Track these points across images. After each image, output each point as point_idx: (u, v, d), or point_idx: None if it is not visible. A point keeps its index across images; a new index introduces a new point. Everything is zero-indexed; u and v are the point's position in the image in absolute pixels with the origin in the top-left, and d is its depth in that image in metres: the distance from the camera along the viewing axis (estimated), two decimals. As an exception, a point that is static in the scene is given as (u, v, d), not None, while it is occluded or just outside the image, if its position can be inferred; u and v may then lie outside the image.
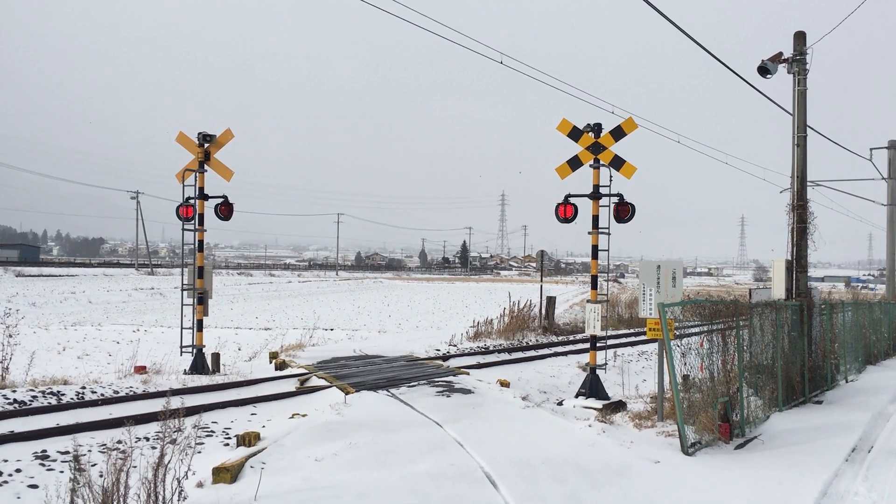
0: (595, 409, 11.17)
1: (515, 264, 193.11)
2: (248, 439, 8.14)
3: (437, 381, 12.45)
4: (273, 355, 15.44)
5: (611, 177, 12.21)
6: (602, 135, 12.13)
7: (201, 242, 14.25)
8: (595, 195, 12.22)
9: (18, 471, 7.33)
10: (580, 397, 12.05)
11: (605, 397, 12.00)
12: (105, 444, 8.08)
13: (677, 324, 10.08)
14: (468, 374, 13.48)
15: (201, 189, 14.15)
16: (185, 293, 14.43)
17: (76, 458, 5.62)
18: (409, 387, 11.79)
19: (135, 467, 5.96)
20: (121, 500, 5.52)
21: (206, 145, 14.14)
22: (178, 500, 5.83)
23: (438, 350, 17.80)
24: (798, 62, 14.89)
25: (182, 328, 14.39)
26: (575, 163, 12.47)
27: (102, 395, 11.05)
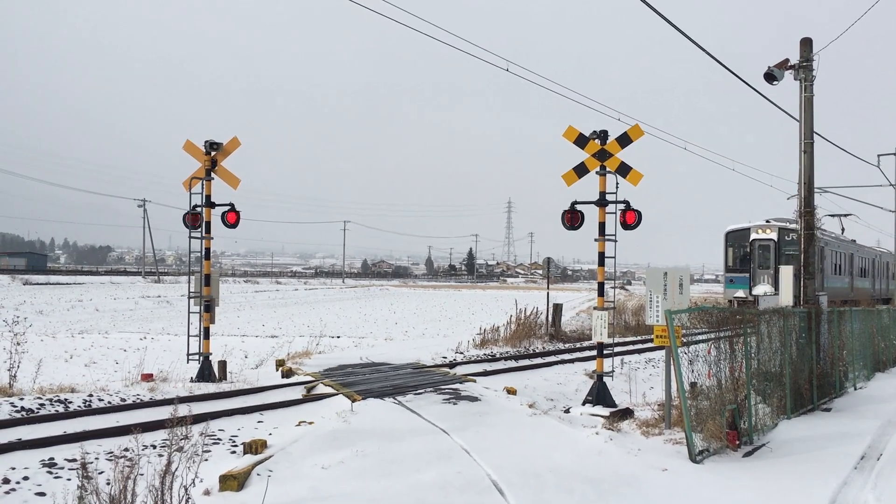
0: (602, 416, 11.14)
1: (522, 271, 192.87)
2: (254, 447, 8.14)
3: (444, 389, 12.43)
4: (280, 363, 15.44)
5: (617, 184, 12.20)
6: (608, 142, 12.13)
7: (208, 250, 14.28)
8: (601, 202, 12.20)
9: (26, 478, 7.35)
10: (587, 405, 12.00)
11: (612, 405, 11.95)
12: (112, 452, 8.09)
13: (684, 331, 10.06)
14: (475, 381, 13.46)
15: (208, 197, 14.19)
16: (191, 301, 14.45)
17: (83, 466, 5.62)
18: (416, 394, 11.77)
19: (142, 475, 5.96)
20: (128, 507, 5.52)
21: (212, 153, 14.19)
22: (185, 508, 5.82)
23: (445, 357, 17.78)
24: (804, 69, 14.87)
25: (189, 336, 14.41)
26: (581, 170, 12.46)
27: (109, 402, 11.07)
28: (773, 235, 29.40)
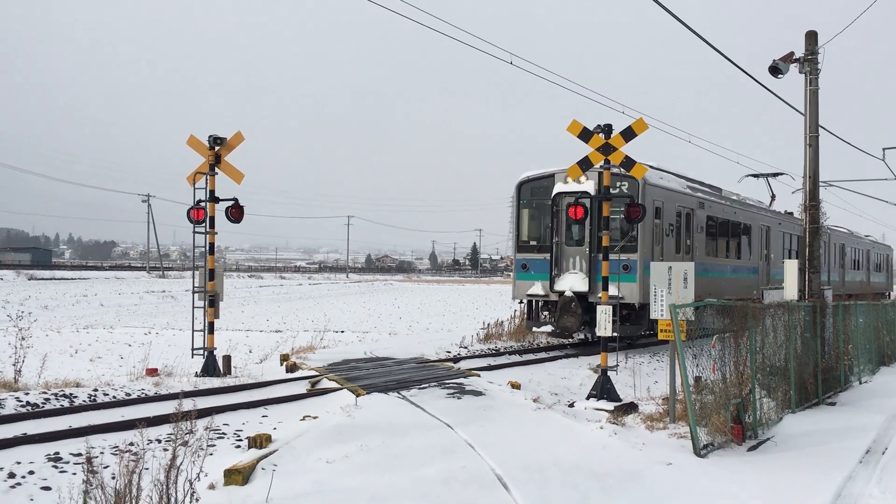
0: (606, 411, 11.13)
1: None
2: (259, 441, 8.15)
3: (448, 384, 12.43)
4: (284, 357, 15.45)
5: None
6: (612, 136, 12.08)
7: (212, 245, 14.28)
8: (606, 196, 12.18)
9: (31, 473, 7.37)
10: (591, 399, 12.00)
11: (617, 399, 11.95)
12: (117, 446, 8.11)
13: (689, 325, 10.05)
14: (479, 375, 13.45)
15: (212, 192, 14.18)
16: (196, 296, 14.46)
17: (89, 460, 5.65)
18: (420, 389, 11.77)
19: (147, 469, 5.98)
20: (133, 501, 5.54)
21: (216, 148, 14.17)
22: (190, 502, 5.84)
23: (449, 352, 17.77)
24: (810, 62, 14.81)
25: (193, 331, 14.43)
26: (585, 164, 12.43)
27: (114, 397, 11.09)
28: (590, 187, 16.23)
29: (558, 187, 17.35)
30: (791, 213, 28.86)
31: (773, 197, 29.20)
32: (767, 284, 24.56)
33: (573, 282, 17.11)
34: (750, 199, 25.67)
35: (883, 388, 15.29)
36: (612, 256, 15.24)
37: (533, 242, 18.61)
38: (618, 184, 16.70)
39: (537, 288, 17.79)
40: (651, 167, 18.35)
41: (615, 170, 16.47)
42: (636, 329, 17.81)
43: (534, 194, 18.74)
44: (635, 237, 17.15)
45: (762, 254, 25.20)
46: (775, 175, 28.68)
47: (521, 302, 18.86)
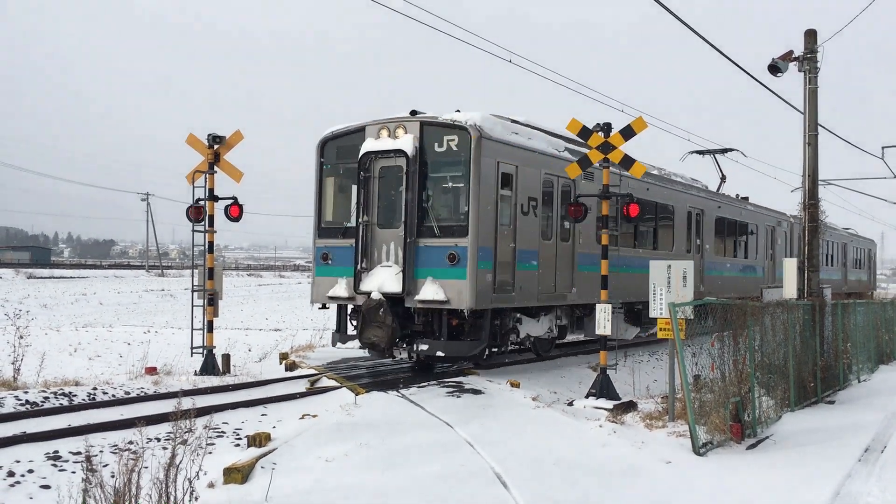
0: (606, 409, 11.13)
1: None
2: (258, 440, 8.15)
3: (447, 382, 12.42)
4: (283, 356, 15.45)
5: (620, 176, 12.17)
6: (612, 134, 12.07)
7: (211, 244, 14.27)
8: (605, 195, 12.17)
9: (31, 471, 7.37)
10: (591, 397, 12.01)
11: (616, 397, 11.95)
12: (117, 445, 8.11)
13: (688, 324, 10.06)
14: (478, 374, 13.45)
15: (211, 190, 14.17)
16: (195, 294, 14.45)
17: (88, 459, 5.65)
18: (420, 387, 11.77)
19: (146, 468, 5.98)
20: (133, 500, 5.54)
21: (215, 146, 14.16)
22: (190, 501, 5.85)
23: (448, 350, 17.74)
24: (809, 60, 14.82)
25: (193, 329, 14.42)
26: (584, 162, 12.43)
27: (114, 395, 11.09)
28: (406, 144, 12.57)
29: (368, 145, 12.82)
30: (746, 199, 25.14)
31: (722, 178, 25.25)
32: (701, 284, 19.40)
33: (383, 279, 12.56)
34: (678, 176, 20.49)
35: (882, 386, 15.31)
36: (433, 243, 12.31)
37: (345, 223, 13.53)
38: (445, 138, 12.48)
39: (340, 288, 13.10)
40: (498, 117, 13.45)
41: (443, 119, 12.73)
42: (472, 346, 12.76)
43: (341, 156, 13.69)
44: (466, 214, 12.30)
45: (691, 244, 19.96)
46: (724, 151, 24.69)
47: (323, 307, 13.96)
